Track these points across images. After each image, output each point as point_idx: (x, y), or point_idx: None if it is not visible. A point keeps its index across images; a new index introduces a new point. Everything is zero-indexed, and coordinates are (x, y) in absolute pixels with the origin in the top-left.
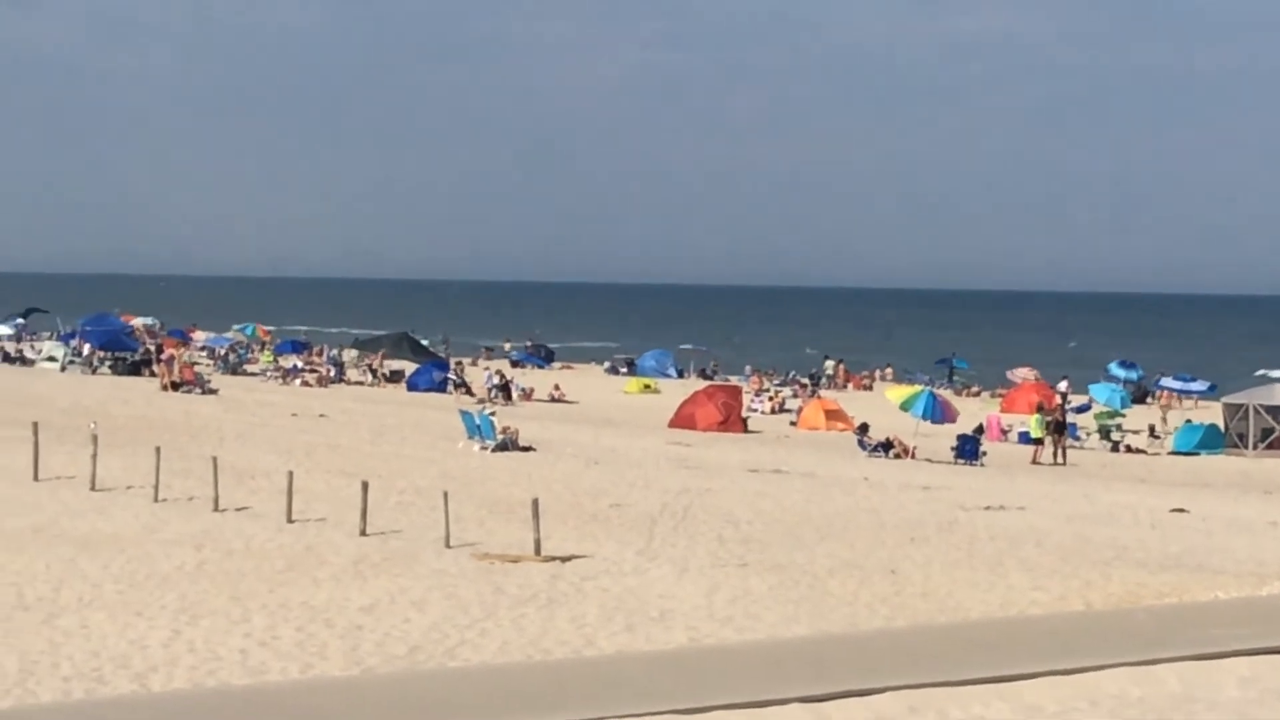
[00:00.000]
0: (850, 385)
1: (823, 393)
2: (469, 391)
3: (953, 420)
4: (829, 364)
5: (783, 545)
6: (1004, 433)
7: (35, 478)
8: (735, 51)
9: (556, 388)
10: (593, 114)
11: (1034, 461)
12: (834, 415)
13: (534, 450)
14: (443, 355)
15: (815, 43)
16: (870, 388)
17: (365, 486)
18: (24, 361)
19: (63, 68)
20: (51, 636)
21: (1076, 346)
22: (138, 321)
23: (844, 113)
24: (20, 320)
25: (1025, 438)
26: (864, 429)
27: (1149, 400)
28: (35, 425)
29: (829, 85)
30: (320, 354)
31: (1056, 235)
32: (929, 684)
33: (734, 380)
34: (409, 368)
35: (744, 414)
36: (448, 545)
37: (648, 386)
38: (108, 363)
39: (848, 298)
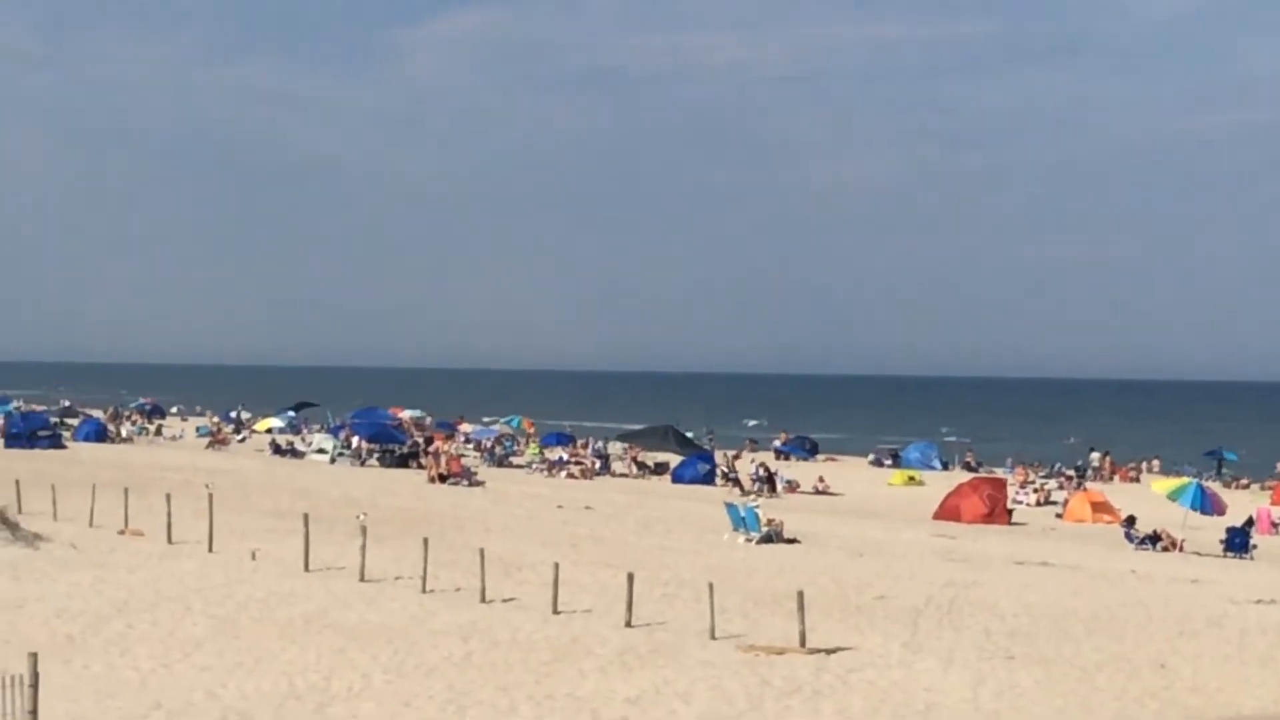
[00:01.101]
0: (1116, 477)
1: (1088, 485)
2: (740, 484)
3: (1221, 513)
4: (1094, 456)
5: (1049, 638)
6: (1275, 525)
7: (306, 568)
8: (1009, 150)
9: (821, 479)
10: (851, 208)
11: None
12: (1100, 508)
13: (799, 542)
14: (707, 447)
15: (1080, 137)
16: (1137, 479)
17: (631, 578)
18: (295, 454)
19: (340, 168)
20: None
21: None
22: (405, 414)
23: (1105, 206)
24: (292, 413)
25: None
26: (1131, 521)
27: None
28: (306, 517)
29: (1088, 179)
30: (585, 446)
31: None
32: None
33: (998, 473)
34: (674, 460)
35: (1009, 506)
36: (713, 637)
37: (912, 478)
38: (376, 455)
39: (1108, 389)
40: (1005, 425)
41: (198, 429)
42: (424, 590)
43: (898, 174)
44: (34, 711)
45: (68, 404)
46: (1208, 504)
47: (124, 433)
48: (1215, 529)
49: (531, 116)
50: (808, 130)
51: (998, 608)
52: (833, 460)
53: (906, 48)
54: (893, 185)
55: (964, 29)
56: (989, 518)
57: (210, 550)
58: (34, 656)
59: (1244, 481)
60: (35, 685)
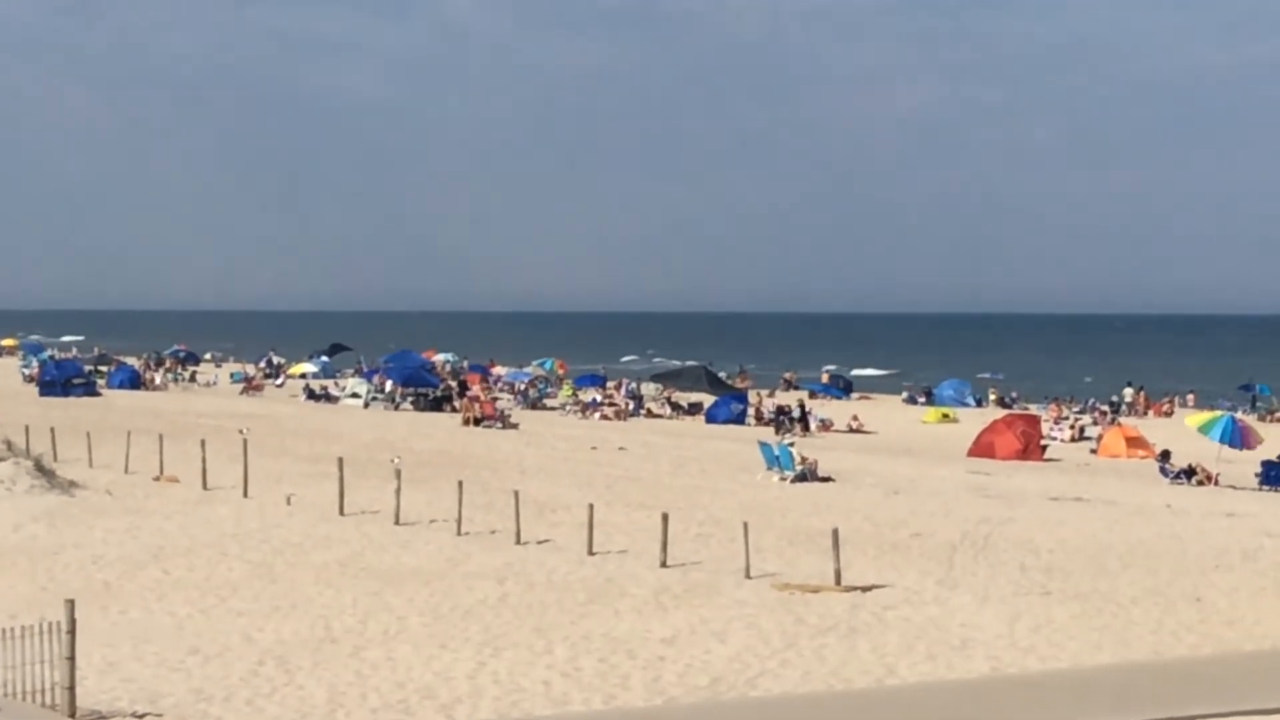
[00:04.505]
0: (1150, 412)
1: (1123, 420)
2: (775, 424)
3: (1253, 446)
4: (1128, 391)
5: (1085, 573)
6: None
7: (341, 512)
8: (1035, 82)
9: (855, 418)
10: (888, 144)
11: None
12: (1135, 442)
13: (833, 480)
14: (740, 387)
15: (1117, 72)
16: (1171, 414)
17: (665, 518)
18: (328, 398)
19: (370, 110)
20: (359, 668)
21: None
22: (439, 358)
23: (1143, 141)
24: (326, 358)
25: None
26: (1166, 456)
27: None
28: (340, 461)
29: (1129, 114)
30: (619, 387)
31: None
32: (1238, 713)
33: (1032, 409)
34: (708, 400)
35: (1043, 442)
36: (748, 576)
37: (946, 415)
38: (410, 399)
39: (1140, 324)
40: (1028, 363)
41: (232, 375)
42: (459, 533)
43: (930, 109)
44: (72, 658)
45: (102, 352)
46: (1239, 438)
47: (158, 380)
48: (1250, 463)
49: (562, 56)
50: (837, 63)
51: (1033, 543)
52: (867, 399)
53: None
54: (924, 121)
55: None
56: (1023, 454)
57: (245, 495)
58: (71, 603)
59: (1278, 415)
60: (73, 632)
